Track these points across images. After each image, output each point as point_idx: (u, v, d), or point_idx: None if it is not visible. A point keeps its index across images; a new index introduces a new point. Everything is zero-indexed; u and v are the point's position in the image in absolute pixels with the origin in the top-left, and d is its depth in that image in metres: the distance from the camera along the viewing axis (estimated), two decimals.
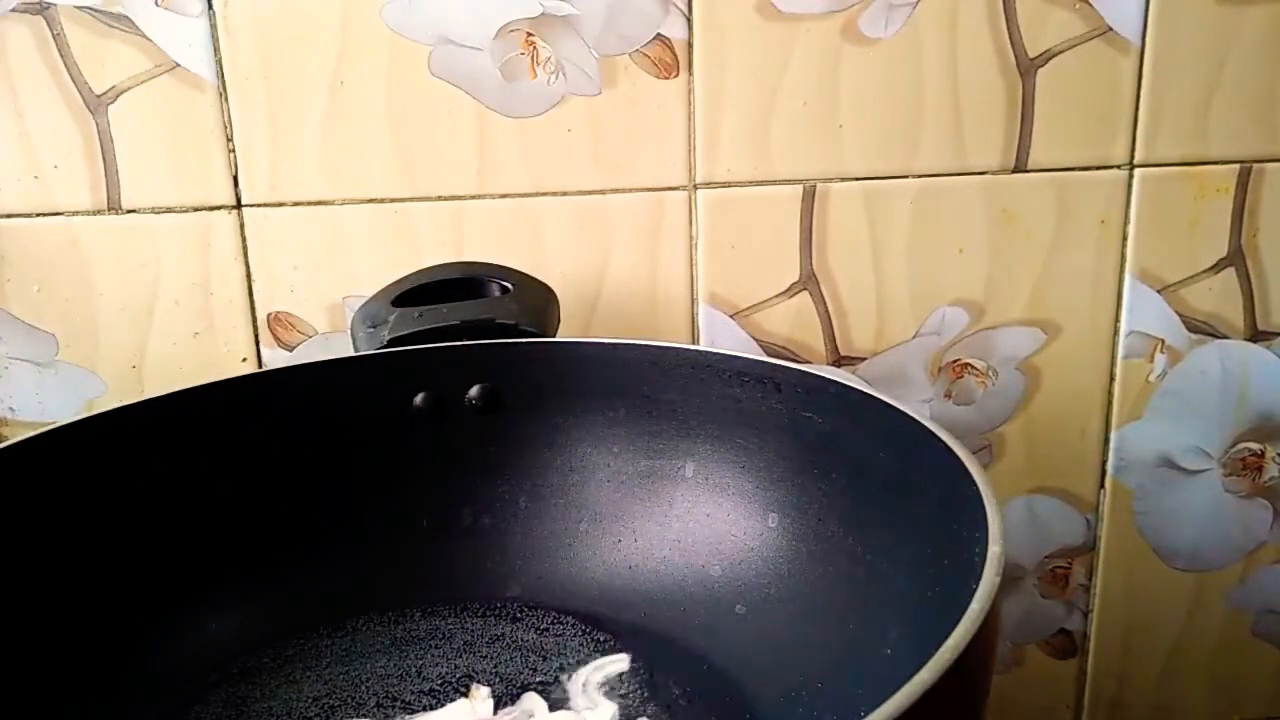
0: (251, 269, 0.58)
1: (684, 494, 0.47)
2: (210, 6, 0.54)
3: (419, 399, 0.48)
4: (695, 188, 0.57)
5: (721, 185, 0.57)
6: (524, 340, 0.49)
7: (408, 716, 0.40)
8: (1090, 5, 0.55)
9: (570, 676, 0.42)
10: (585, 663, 0.43)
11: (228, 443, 0.46)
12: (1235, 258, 0.59)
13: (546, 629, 0.45)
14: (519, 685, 0.42)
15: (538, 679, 0.42)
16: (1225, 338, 0.60)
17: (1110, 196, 0.58)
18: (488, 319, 0.49)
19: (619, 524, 0.48)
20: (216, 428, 0.46)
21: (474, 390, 0.48)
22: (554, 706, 0.41)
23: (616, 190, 0.57)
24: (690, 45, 0.55)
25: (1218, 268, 0.59)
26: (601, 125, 0.56)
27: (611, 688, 0.41)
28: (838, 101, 0.56)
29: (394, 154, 0.56)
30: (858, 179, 0.57)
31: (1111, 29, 0.56)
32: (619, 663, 0.42)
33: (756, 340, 0.60)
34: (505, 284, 0.52)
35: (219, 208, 0.57)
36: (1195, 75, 0.56)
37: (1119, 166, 0.58)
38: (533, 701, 0.41)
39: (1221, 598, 0.65)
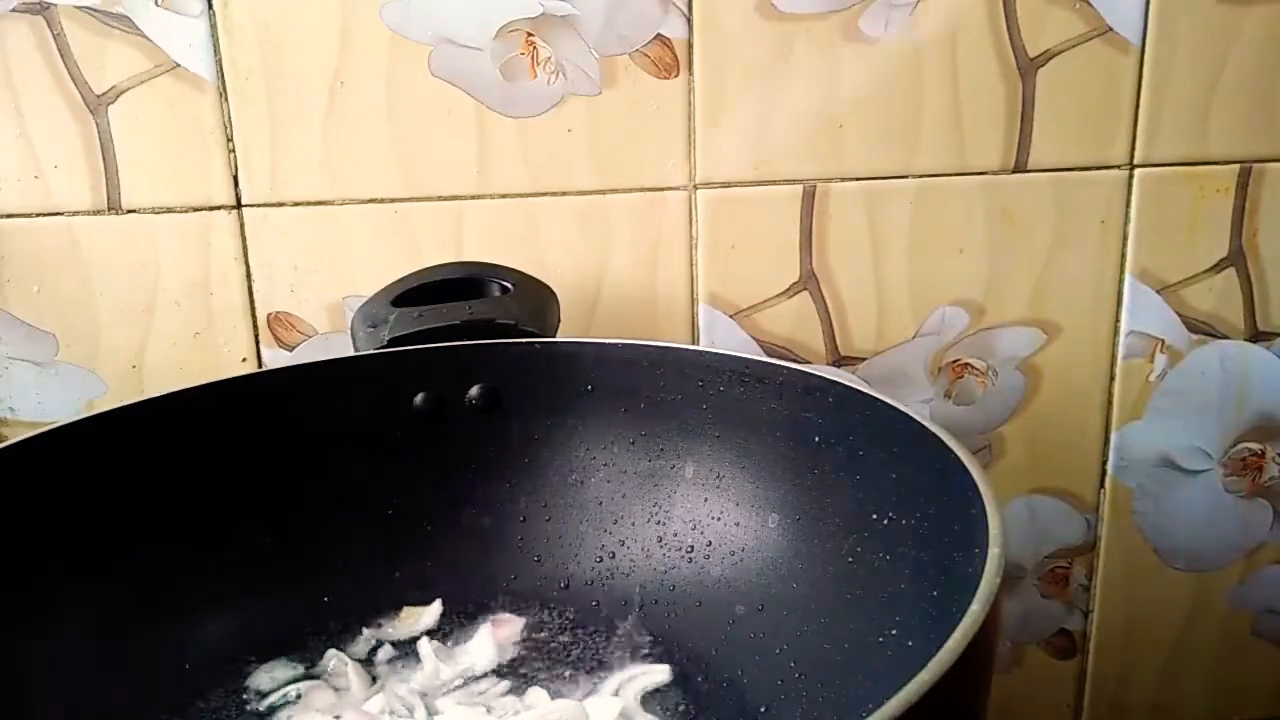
0: (251, 269, 0.58)
1: (684, 494, 0.47)
2: (210, 6, 0.54)
3: (419, 399, 0.48)
4: (695, 188, 0.57)
5: (721, 185, 0.57)
6: (524, 340, 0.49)
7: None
8: (1090, 5, 0.55)
9: (604, 681, 0.42)
10: (585, 658, 0.43)
11: (228, 443, 0.46)
12: (1235, 258, 0.59)
13: (548, 628, 0.45)
14: (522, 682, 0.42)
15: (540, 677, 0.42)
16: (1225, 338, 0.60)
17: (1110, 196, 0.58)
18: (488, 319, 0.49)
19: (619, 524, 0.48)
20: (216, 428, 0.46)
21: (474, 390, 0.48)
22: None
23: (616, 190, 0.57)
24: (690, 45, 0.55)
25: (1218, 268, 0.59)
26: (601, 125, 0.56)
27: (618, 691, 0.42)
28: (838, 101, 0.56)
29: (394, 154, 0.56)
30: (858, 179, 0.57)
31: (1111, 29, 0.56)
32: (659, 674, 0.42)
33: (756, 340, 0.60)
34: (505, 284, 0.52)
35: (219, 208, 0.57)
36: (1195, 75, 0.56)
37: (1119, 166, 0.58)
38: (537, 695, 0.41)
39: (1221, 598, 0.65)
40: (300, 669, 0.43)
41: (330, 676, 0.43)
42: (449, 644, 0.44)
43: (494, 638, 0.44)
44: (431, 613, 0.46)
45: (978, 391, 0.61)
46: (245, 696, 0.42)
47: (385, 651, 0.44)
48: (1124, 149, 0.57)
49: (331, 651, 0.44)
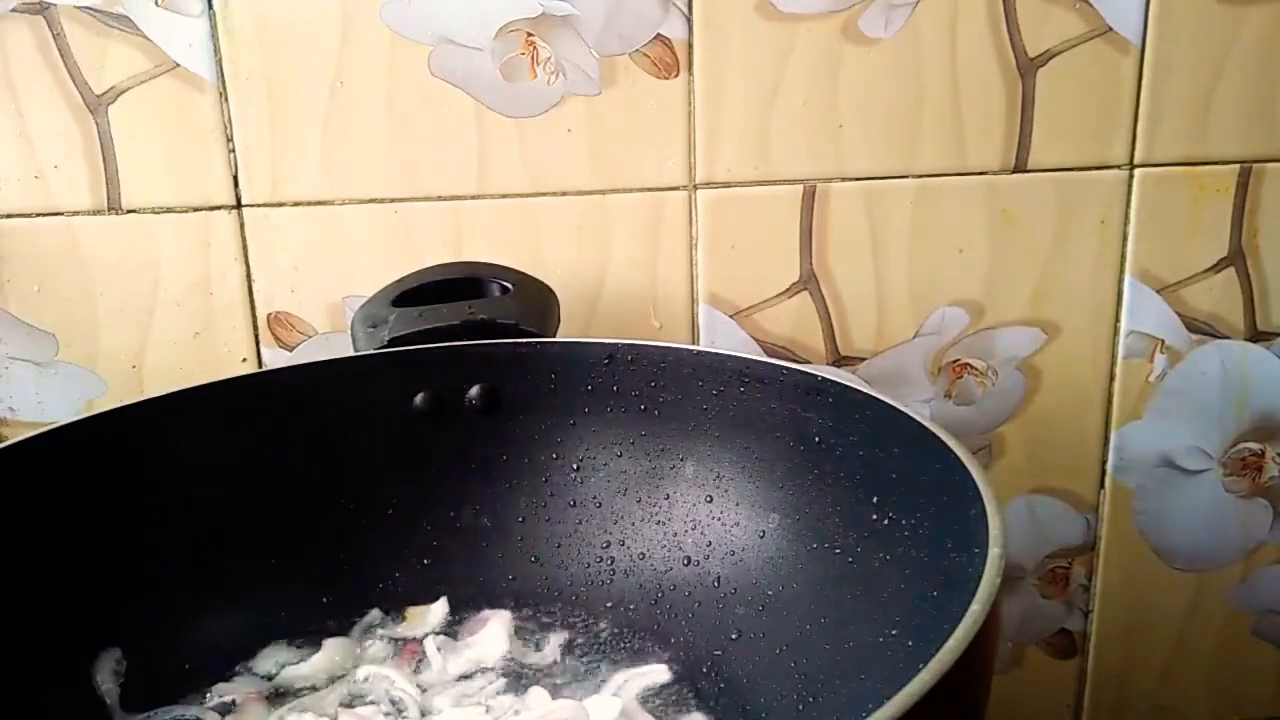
0: (251, 269, 0.58)
1: (684, 494, 0.47)
2: (210, 6, 0.54)
3: (419, 399, 0.48)
4: (695, 188, 0.57)
5: (721, 185, 0.57)
6: (524, 340, 0.49)
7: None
8: (1090, 5, 0.55)
9: (604, 680, 0.42)
10: (585, 659, 0.43)
11: (228, 443, 0.46)
12: (1235, 258, 0.59)
13: (548, 628, 0.45)
14: (522, 681, 0.42)
15: (540, 677, 0.42)
16: (1225, 338, 0.60)
17: (1110, 196, 0.58)
18: (488, 319, 0.49)
19: (619, 524, 0.48)
20: (216, 428, 0.46)
21: (474, 390, 0.48)
22: None
23: (616, 190, 0.57)
24: (690, 45, 0.55)
25: (1218, 268, 0.59)
26: (601, 125, 0.56)
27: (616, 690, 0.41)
28: (838, 101, 0.56)
29: (394, 154, 0.56)
30: (858, 179, 0.57)
31: (1111, 29, 0.56)
32: (660, 674, 0.42)
33: (756, 340, 0.60)
34: (505, 284, 0.52)
35: (219, 208, 0.57)
36: (1195, 75, 0.56)
37: (1119, 166, 0.58)
38: (537, 695, 0.41)
39: (1221, 598, 0.65)
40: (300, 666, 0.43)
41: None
42: (456, 640, 0.44)
43: (505, 629, 0.44)
44: (437, 611, 0.46)
45: (978, 391, 0.61)
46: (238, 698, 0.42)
47: (385, 649, 0.44)
48: (1124, 149, 0.57)
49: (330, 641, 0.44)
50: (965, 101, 0.56)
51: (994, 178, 0.58)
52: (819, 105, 0.56)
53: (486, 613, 0.46)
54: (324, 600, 0.46)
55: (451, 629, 0.45)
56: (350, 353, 0.51)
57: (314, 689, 0.42)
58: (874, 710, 0.22)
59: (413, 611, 0.46)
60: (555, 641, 0.44)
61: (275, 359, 0.59)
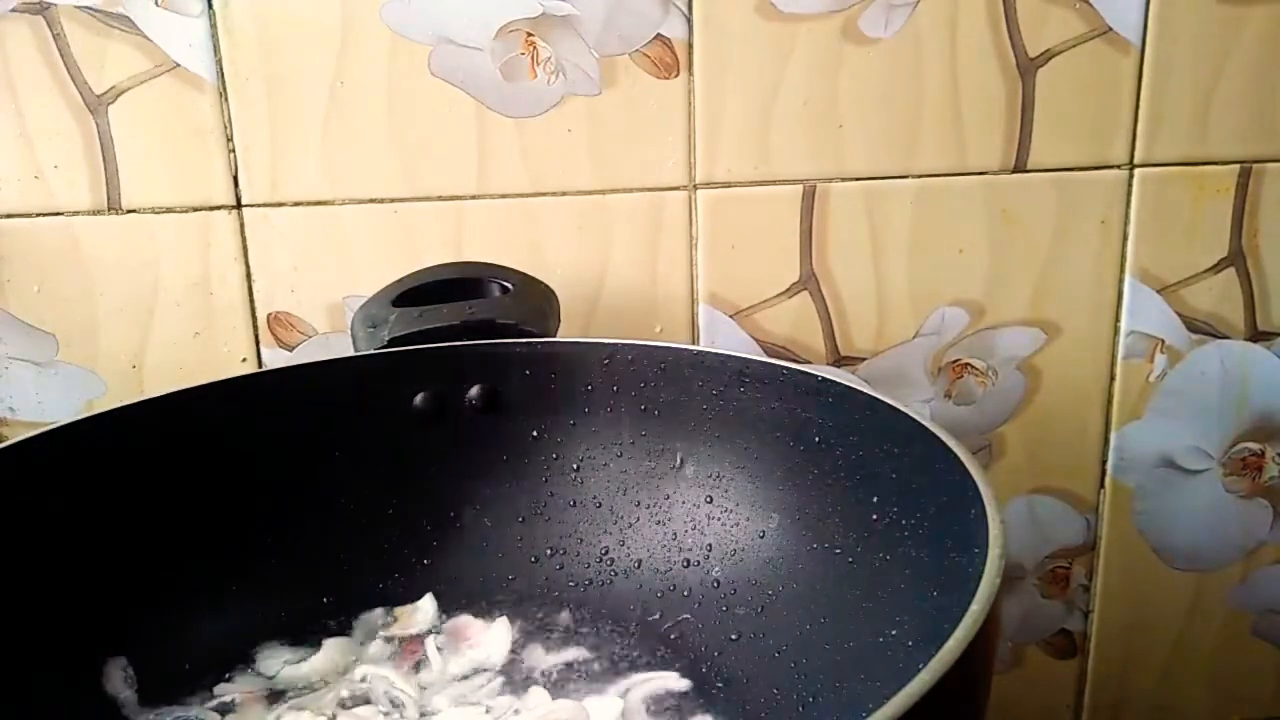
0: (251, 269, 0.58)
1: (684, 494, 0.47)
2: (210, 6, 0.54)
3: (419, 399, 0.48)
4: (695, 188, 0.57)
5: (721, 185, 0.57)
6: (524, 340, 0.49)
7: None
8: (1090, 5, 0.55)
9: (603, 681, 0.42)
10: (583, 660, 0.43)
11: (228, 443, 0.46)
12: (1235, 258, 0.59)
13: (548, 629, 0.45)
14: (521, 682, 0.42)
15: (540, 677, 0.42)
16: (1225, 338, 0.60)
17: (1110, 196, 0.58)
18: (488, 319, 0.49)
19: (619, 524, 0.48)
20: (216, 428, 0.46)
21: (474, 390, 0.48)
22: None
23: (616, 190, 0.57)
24: (690, 45, 0.55)
25: (1218, 268, 0.59)
26: (601, 125, 0.56)
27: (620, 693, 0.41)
28: (838, 101, 0.56)
29: (394, 154, 0.56)
30: (858, 179, 0.57)
31: (1111, 29, 0.56)
32: (660, 676, 0.42)
33: (756, 340, 0.60)
34: (505, 284, 0.52)
35: (219, 208, 0.57)
36: (1195, 75, 0.56)
37: (1119, 166, 0.58)
38: (537, 695, 0.41)
39: (1221, 598, 0.65)
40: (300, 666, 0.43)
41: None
42: (457, 640, 0.44)
43: (506, 629, 0.44)
44: (425, 610, 0.46)
45: (978, 391, 0.61)
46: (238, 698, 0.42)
47: (386, 648, 0.44)
48: (1124, 149, 0.57)
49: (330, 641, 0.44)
50: (965, 101, 0.56)
51: (994, 178, 0.58)
52: (819, 105, 0.56)
53: (485, 614, 0.46)
54: (324, 600, 0.46)
55: (446, 627, 0.45)
56: (350, 353, 0.51)
57: (314, 689, 0.42)
58: (874, 710, 0.22)
59: (401, 611, 0.46)
60: (555, 642, 0.44)
61: (275, 359, 0.59)
